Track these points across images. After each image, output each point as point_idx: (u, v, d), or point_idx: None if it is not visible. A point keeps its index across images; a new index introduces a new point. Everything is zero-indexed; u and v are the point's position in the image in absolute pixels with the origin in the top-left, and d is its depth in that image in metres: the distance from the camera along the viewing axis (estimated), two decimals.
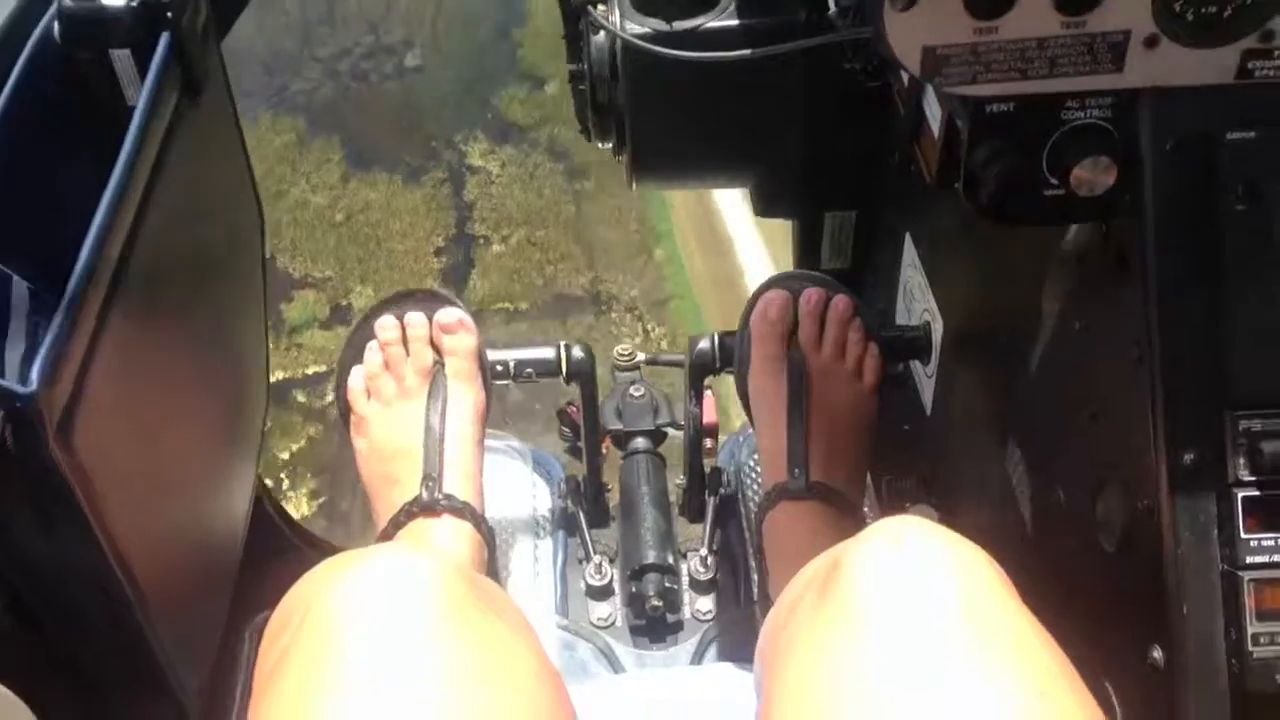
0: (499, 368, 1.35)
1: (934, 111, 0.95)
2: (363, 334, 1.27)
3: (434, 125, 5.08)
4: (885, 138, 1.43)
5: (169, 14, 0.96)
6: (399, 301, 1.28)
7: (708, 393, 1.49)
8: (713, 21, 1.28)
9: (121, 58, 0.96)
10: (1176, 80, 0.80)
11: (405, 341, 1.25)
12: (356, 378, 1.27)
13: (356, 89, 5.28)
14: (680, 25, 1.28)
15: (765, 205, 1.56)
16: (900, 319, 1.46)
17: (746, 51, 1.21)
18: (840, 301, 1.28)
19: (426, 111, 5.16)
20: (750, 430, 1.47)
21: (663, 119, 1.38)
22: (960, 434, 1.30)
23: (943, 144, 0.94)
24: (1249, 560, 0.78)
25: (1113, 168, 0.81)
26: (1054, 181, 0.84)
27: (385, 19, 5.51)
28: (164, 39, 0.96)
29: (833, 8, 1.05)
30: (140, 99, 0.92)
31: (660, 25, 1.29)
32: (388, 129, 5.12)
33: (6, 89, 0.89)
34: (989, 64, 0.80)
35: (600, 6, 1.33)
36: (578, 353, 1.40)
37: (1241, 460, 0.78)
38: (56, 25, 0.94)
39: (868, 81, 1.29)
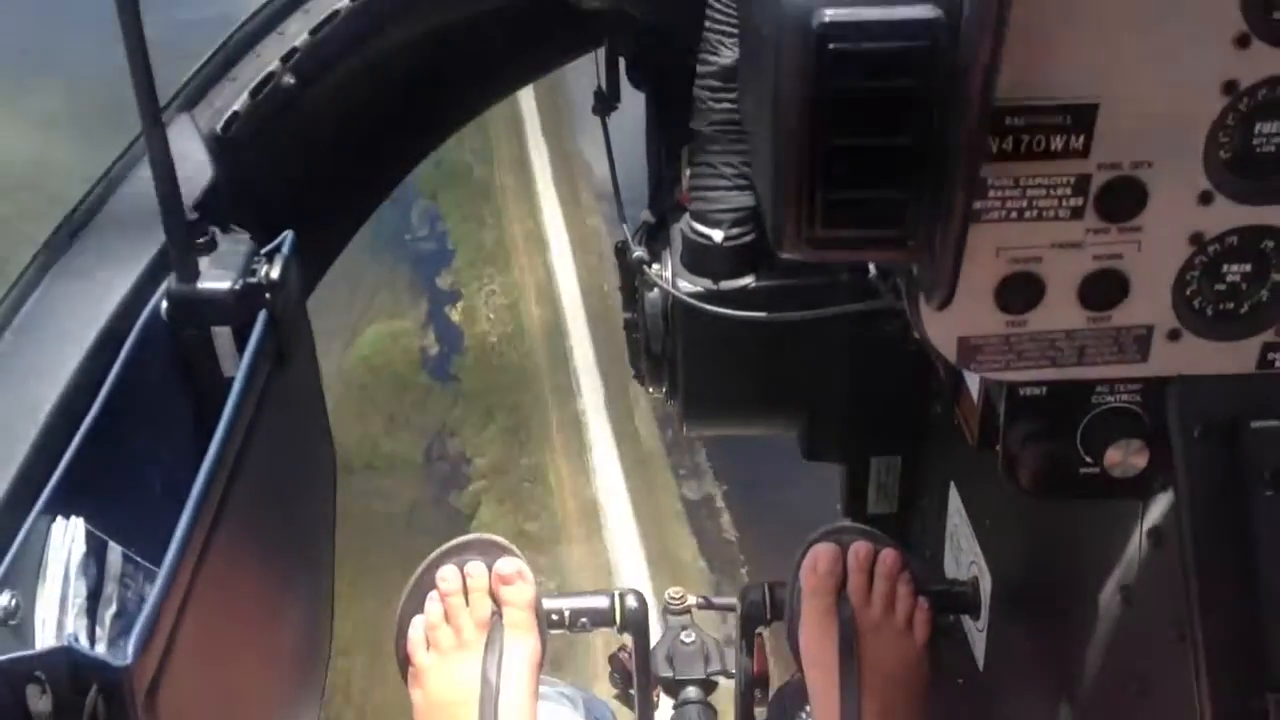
0: (554, 617, 1.37)
1: (973, 379, 1.00)
2: (424, 584, 1.31)
3: None
4: (928, 388, 1.48)
5: (267, 294, 1.05)
6: (460, 551, 1.32)
7: (758, 639, 1.50)
8: (760, 281, 1.36)
9: (221, 334, 1.05)
10: (1200, 370, 0.84)
11: (465, 592, 1.29)
12: (416, 629, 1.29)
13: None
14: (728, 285, 1.37)
15: (812, 449, 1.60)
16: (949, 568, 1.48)
17: (792, 314, 1.30)
18: (889, 555, 1.31)
19: None
20: (800, 677, 1.47)
21: (713, 370, 1.45)
22: (1013, 693, 1.30)
23: (982, 409, 0.98)
24: None
25: (1144, 450, 0.85)
26: (1089, 460, 0.88)
27: None
28: (261, 316, 1.05)
29: (873, 270, 1.09)
30: (239, 373, 1.00)
31: (709, 284, 1.37)
32: None
33: (116, 365, 0.97)
34: (1020, 352, 0.85)
35: (654, 265, 1.43)
36: (631, 602, 1.42)
37: None
38: (165, 304, 1.04)
39: (908, 345, 1.35)
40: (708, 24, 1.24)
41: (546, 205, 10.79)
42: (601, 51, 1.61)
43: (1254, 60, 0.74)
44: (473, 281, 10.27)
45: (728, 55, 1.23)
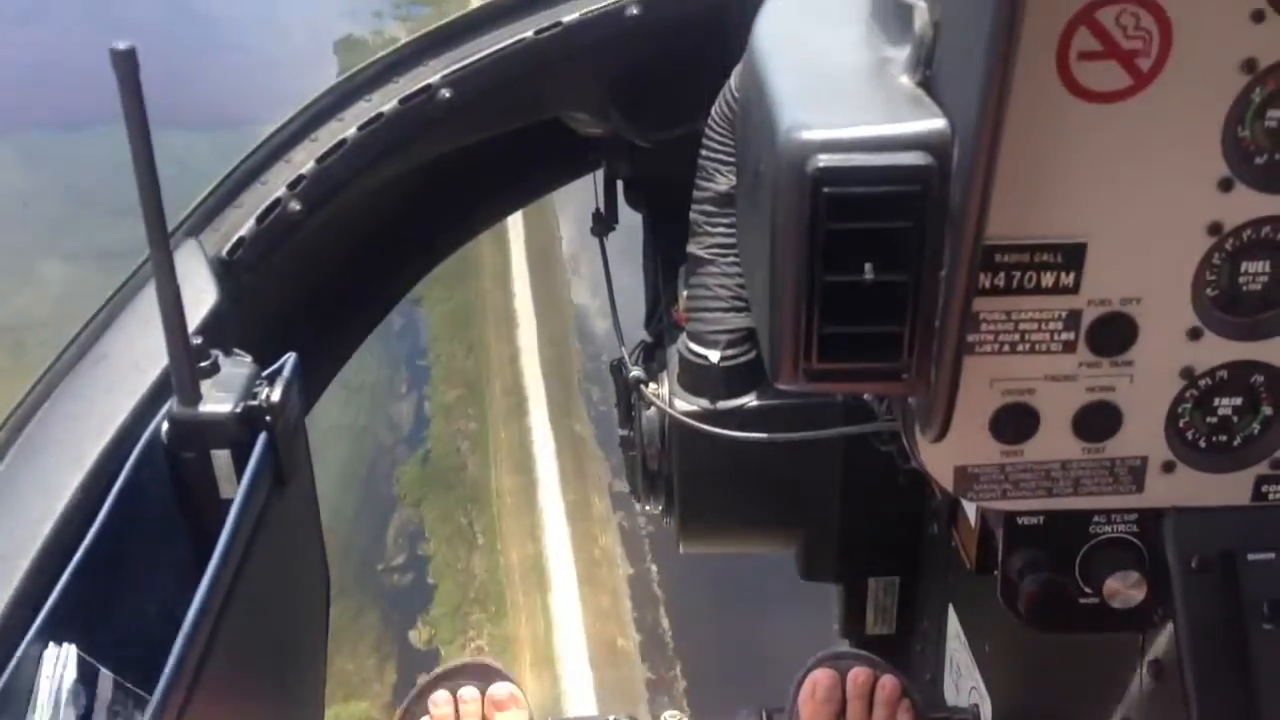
0: None
1: (970, 505, 1.00)
2: (416, 711, 1.29)
3: None
4: (925, 508, 1.48)
5: (268, 417, 1.05)
6: (453, 675, 1.30)
7: None
8: (756, 401, 1.37)
9: (220, 455, 1.04)
10: (1195, 501, 0.85)
11: (458, 718, 1.27)
12: None
13: None
14: (725, 405, 1.37)
15: (809, 569, 1.59)
16: (949, 693, 1.46)
17: (789, 435, 1.30)
18: (888, 683, 1.29)
19: None
20: None
21: (710, 489, 1.45)
22: None
23: (980, 534, 0.98)
24: None
25: (1143, 582, 0.86)
26: (1088, 590, 0.88)
27: None
28: (261, 439, 1.04)
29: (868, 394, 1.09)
30: (237, 496, 1.00)
31: (707, 404, 1.37)
32: None
33: (114, 489, 0.97)
34: (1017, 482, 0.86)
35: (652, 384, 1.44)
36: None
37: None
38: (165, 427, 1.04)
39: (904, 464, 1.35)
40: (704, 151, 1.27)
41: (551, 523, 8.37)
42: (600, 173, 1.66)
43: (1237, 203, 0.77)
44: (456, 637, 8.11)
45: (723, 182, 1.26)
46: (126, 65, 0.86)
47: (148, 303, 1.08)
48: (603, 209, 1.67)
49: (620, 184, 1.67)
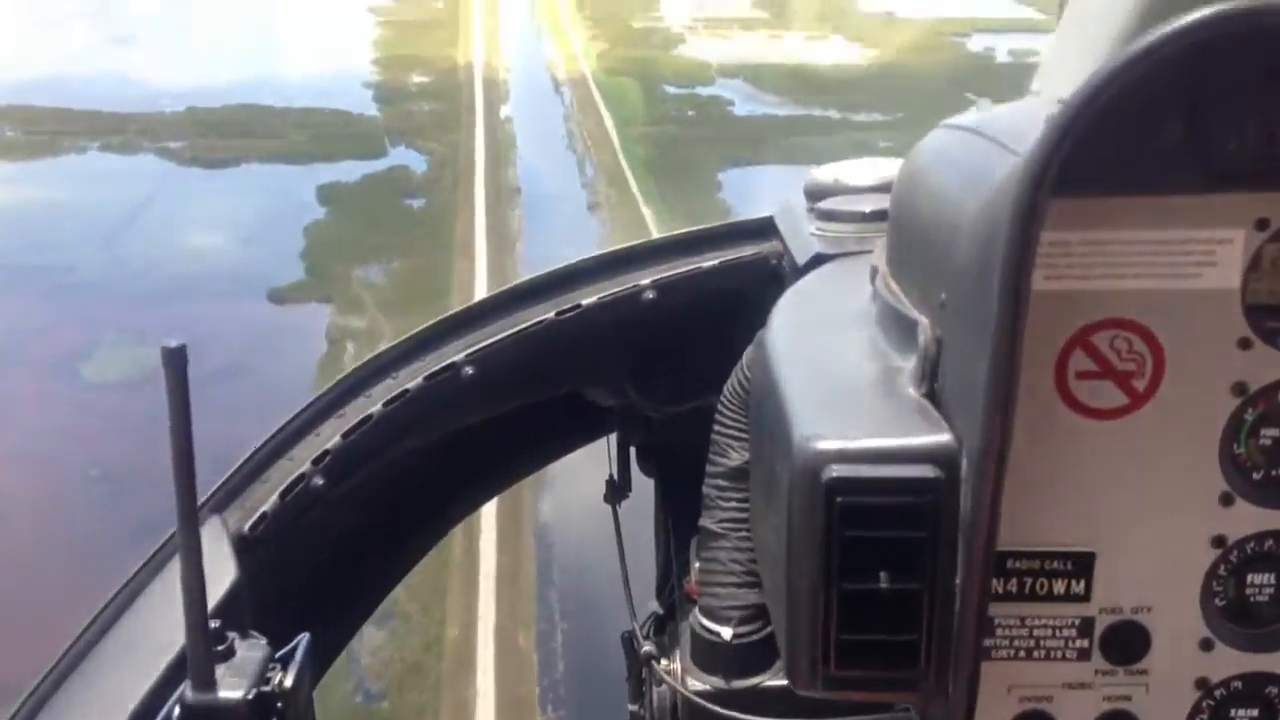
0: None
1: None
2: None
3: None
4: None
5: (279, 703, 1.04)
6: None
7: None
8: (771, 681, 1.33)
9: None
10: None
11: None
12: None
13: None
14: (739, 684, 1.33)
15: None
16: None
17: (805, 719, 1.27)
18: None
19: None
20: None
21: None
22: None
23: None
24: None
25: None
26: None
27: None
28: None
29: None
30: None
31: (720, 683, 1.34)
32: None
33: None
34: None
35: (663, 660, 1.41)
36: None
37: None
38: (177, 711, 1.02)
39: None
40: (717, 426, 1.29)
41: None
42: (613, 438, 1.69)
43: (1239, 517, 0.78)
44: None
45: (736, 457, 1.28)
46: (176, 361, 0.89)
47: (168, 582, 1.09)
48: (616, 475, 1.69)
49: (633, 450, 1.69)
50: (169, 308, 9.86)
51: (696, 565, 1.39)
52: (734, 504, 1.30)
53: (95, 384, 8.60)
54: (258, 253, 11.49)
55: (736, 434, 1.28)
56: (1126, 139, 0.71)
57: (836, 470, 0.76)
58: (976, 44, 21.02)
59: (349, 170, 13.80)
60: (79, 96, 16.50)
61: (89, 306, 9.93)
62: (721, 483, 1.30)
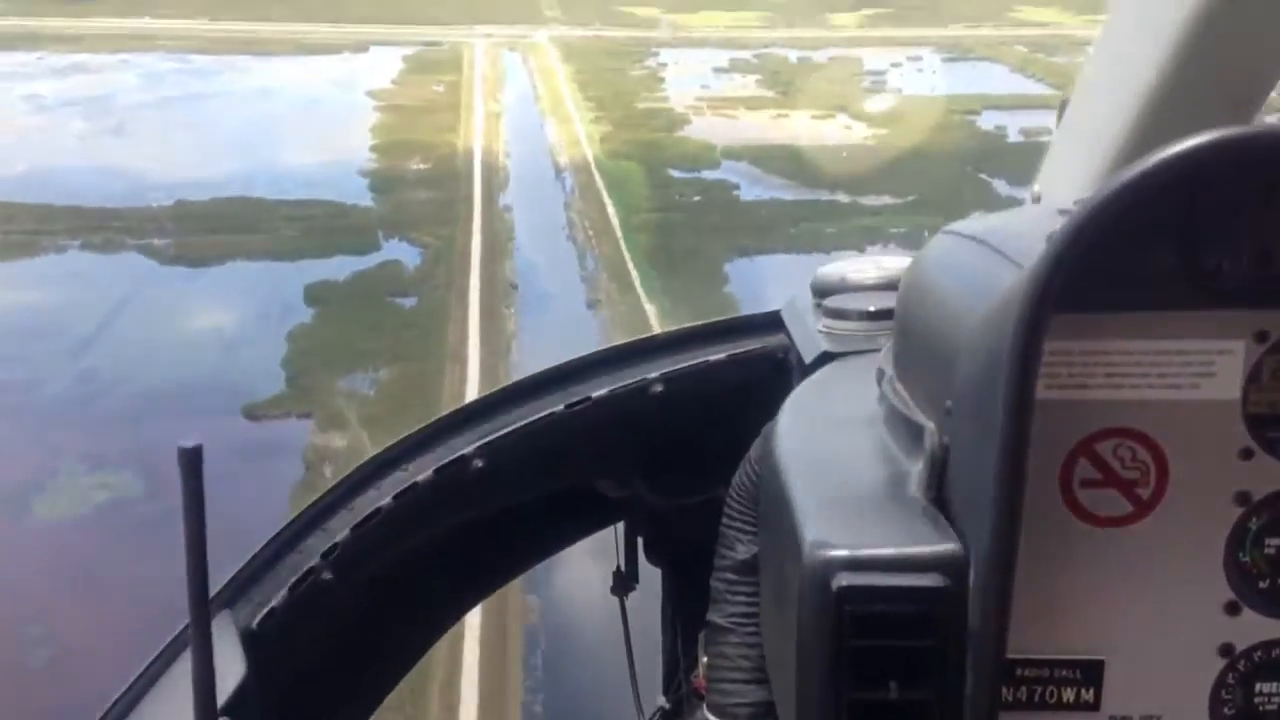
0: None
1: None
2: None
3: None
4: None
5: None
6: None
7: None
8: None
9: None
10: None
11: None
12: None
13: None
14: None
15: None
16: None
17: None
18: None
19: None
20: None
21: None
22: None
23: None
24: None
25: None
26: None
27: None
28: None
29: None
30: None
31: None
32: None
33: None
34: None
35: None
36: None
37: None
38: None
39: None
40: (725, 519, 1.28)
41: None
42: (621, 528, 1.69)
43: (1245, 626, 0.79)
44: None
45: (744, 551, 1.27)
46: (192, 460, 0.88)
47: (177, 680, 1.08)
48: (623, 566, 1.69)
49: (640, 541, 1.70)
50: (135, 428, 9.40)
51: (704, 660, 1.38)
52: (743, 598, 1.29)
53: (46, 521, 8.08)
54: (236, 361, 11.07)
55: (745, 527, 1.27)
56: (1123, 260, 0.74)
57: (846, 579, 0.77)
58: (987, 121, 20.82)
59: (339, 266, 13.46)
60: (63, 191, 16.21)
61: (48, 429, 9.47)
62: (730, 576, 1.29)
